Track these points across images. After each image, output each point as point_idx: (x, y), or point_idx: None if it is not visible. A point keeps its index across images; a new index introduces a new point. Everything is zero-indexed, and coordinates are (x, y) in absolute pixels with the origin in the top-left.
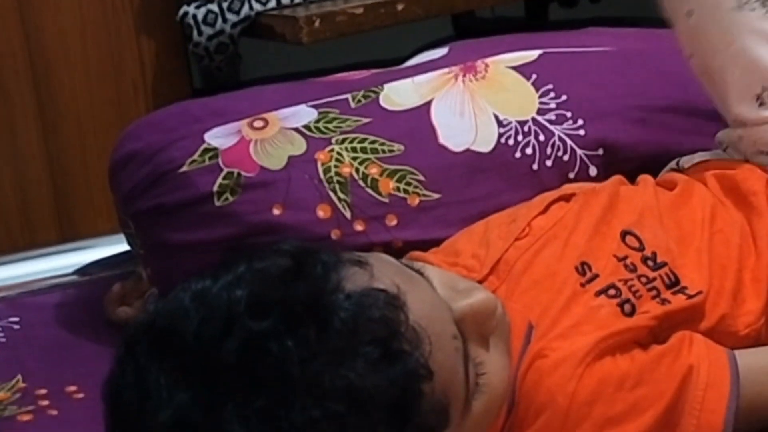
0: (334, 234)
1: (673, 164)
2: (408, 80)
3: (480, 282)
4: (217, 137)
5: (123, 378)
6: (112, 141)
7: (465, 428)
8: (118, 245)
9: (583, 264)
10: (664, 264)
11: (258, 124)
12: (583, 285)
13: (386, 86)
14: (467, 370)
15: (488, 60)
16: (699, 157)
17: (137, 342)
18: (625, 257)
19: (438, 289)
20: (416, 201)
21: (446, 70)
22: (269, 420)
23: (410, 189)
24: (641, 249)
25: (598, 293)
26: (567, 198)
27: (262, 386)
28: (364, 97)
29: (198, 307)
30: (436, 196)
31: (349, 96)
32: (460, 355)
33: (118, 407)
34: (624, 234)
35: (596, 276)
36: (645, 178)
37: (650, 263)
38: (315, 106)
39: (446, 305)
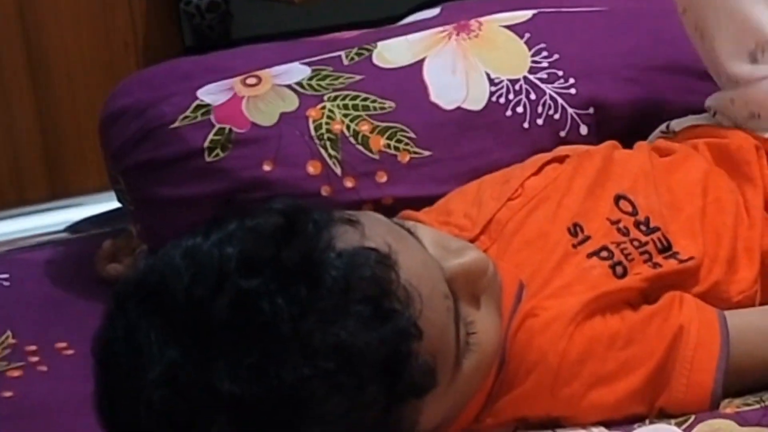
0: (324, 190)
1: (663, 127)
2: (401, 38)
3: (471, 241)
4: (210, 94)
5: (113, 334)
6: (103, 99)
7: (455, 387)
8: (109, 202)
9: (575, 225)
10: (657, 229)
11: (251, 81)
12: (574, 246)
13: (379, 44)
14: (458, 329)
15: (482, 19)
16: (689, 121)
17: (128, 298)
18: (618, 221)
19: (429, 248)
20: (407, 158)
21: (440, 29)
22: (259, 377)
23: (401, 146)
24: (634, 213)
25: (590, 255)
26: (561, 160)
27: (252, 344)
28: (357, 54)
29: (189, 265)
30: (426, 153)
31: (342, 53)
32: (450, 314)
33: (107, 364)
34: (618, 198)
35: (588, 237)
36: (640, 144)
37: (643, 228)
38: (308, 64)
39: (437, 264)
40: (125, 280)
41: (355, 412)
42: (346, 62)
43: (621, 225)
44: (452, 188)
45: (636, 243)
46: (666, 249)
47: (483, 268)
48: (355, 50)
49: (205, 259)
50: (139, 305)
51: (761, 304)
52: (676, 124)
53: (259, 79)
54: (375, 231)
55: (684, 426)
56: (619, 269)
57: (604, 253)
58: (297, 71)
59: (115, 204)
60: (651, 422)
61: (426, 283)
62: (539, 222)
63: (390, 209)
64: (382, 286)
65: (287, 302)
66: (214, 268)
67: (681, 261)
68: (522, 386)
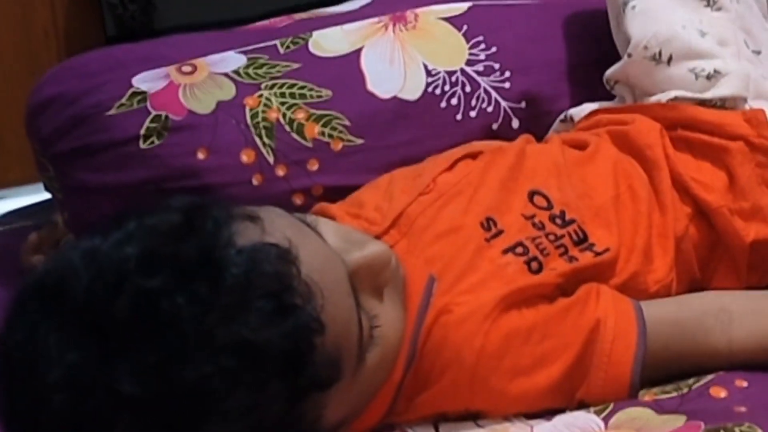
0: (256, 179)
1: (561, 117)
2: (337, 28)
3: (381, 235)
4: (146, 81)
5: (13, 337)
6: (24, 88)
7: (359, 380)
8: (31, 195)
9: (488, 219)
10: (573, 221)
11: (186, 69)
12: (488, 240)
13: (315, 33)
14: (360, 322)
15: (418, 11)
16: (587, 108)
17: (27, 300)
18: (533, 215)
19: (331, 242)
20: (339, 146)
21: (376, 19)
22: (161, 377)
23: (334, 134)
24: (549, 207)
25: (506, 251)
26: (474, 156)
27: (153, 343)
28: (293, 43)
29: (88, 265)
30: (359, 141)
31: (277, 42)
32: (353, 308)
33: (8, 366)
34: (531, 194)
35: (501, 231)
36: (552, 137)
37: (558, 221)
38: (244, 53)
39: (339, 258)
40: (25, 281)
41: (258, 408)
42: (281, 51)
43: (536, 220)
44: None
45: (552, 237)
46: (582, 241)
47: (385, 260)
48: (290, 39)
49: (104, 259)
50: (39, 307)
51: (677, 293)
52: (575, 113)
53: (195, 67)
54: (275, 226)
55: (603, 415)
56: (534, 265)
57: (519, 249)
58: (233, 60)
59: (39, 197)
60: (570, 411)
61: (328, 278)
62: (451, 216)
63: (320, 200)
64: (283, 281)
65: (188, 301)
66: (113, 269)
67: (597, 253)
68: (439, 383)
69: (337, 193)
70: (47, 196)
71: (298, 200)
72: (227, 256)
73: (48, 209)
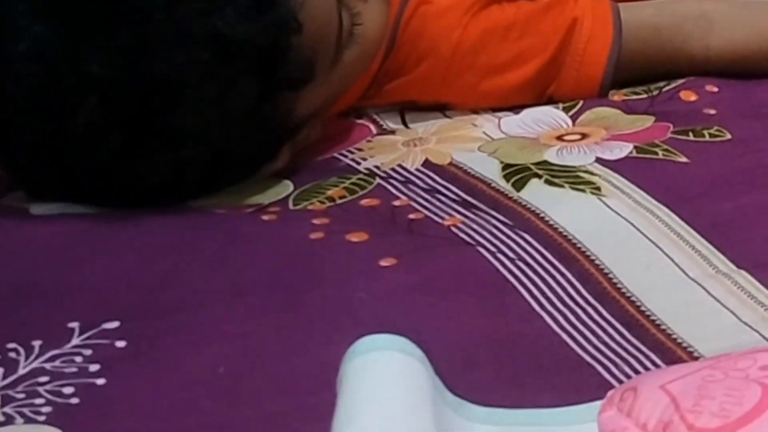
0: None
1: None
2: None
3: None
4: None
5: None
6: None
7: (334, 77)
8: None
9: None
10: None
11: None
12: None
13: None
14: (341, 21)
15: None
16: None
17: None
18: None
19: None
20: None
21: None
22: (130, 61)
23: None
24: None
25: None
26: None
27: (124, 26)
28: None
29: None
30: None
31: None
32: (333, 7)
33: None
34: None
35: None
36: None
37: None
38: None
39: None
40: None
41: (228, 101)
42: None
43: None
44: None
45: None
46: None
47: None
48: None
49: None
50: None
51: None
52: None
53: None
54: None
55: (571, 112)
56: None
57: None
58: None
59: None
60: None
61: None
62: None
63: None
64: None
65: None
66: None
67: None
68: (413, 73)
69: None
70: None
71: None
72: None
73: None
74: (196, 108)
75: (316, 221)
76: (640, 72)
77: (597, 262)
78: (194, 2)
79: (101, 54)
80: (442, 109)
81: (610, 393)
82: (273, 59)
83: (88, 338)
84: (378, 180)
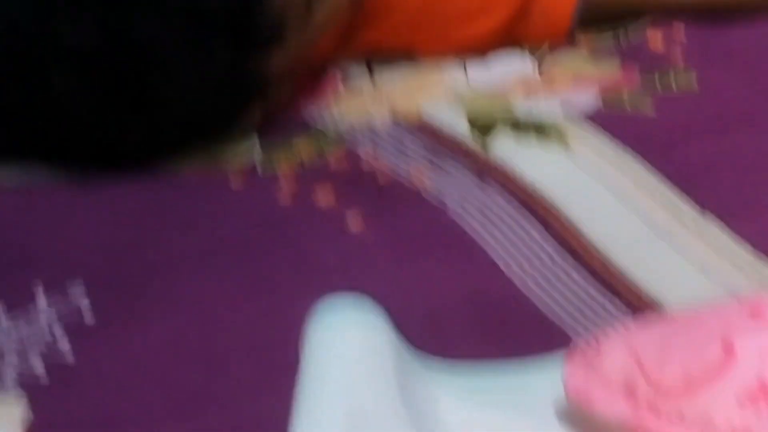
0: None
1: None
2: None
3: None
4: None
5: None
6: None
7: (304, 36)
8: None
9: None
10: None
11: None
12: None
13: None
14: None
15: None
16: None
17: None
18: None
19: None
20: None
21: None
22: (105, 32)
23: None
24: None
25: None
26: None
27: None
28: None
29: None
30: None
31: None
32: None
33: None
34: None
35: None
36: None
37: None
38: None
39: None
40: None
41: (201, 66)
42: None
43: None
44: None
45: None
46: None
47: None
48: None
49: None
50: None
51: None
52: None
53: None
54: None
55: (538, 59)
56: None
57: None
58: None
59: None
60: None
61: None
62: None
63: None
64: None
65: None
66: None
67: None
68: (382, 22)
69: None
70: None
71: None
72: None
73: None
74: (170, 74)
75: (284, 183)
76: (607, 15)
77: (563, 216)
78: None
79: (75, 23)
80: (410, 58)
81: (573, 345)
82: (245, 21)
83: (53, 302)
84: (346, 138)
